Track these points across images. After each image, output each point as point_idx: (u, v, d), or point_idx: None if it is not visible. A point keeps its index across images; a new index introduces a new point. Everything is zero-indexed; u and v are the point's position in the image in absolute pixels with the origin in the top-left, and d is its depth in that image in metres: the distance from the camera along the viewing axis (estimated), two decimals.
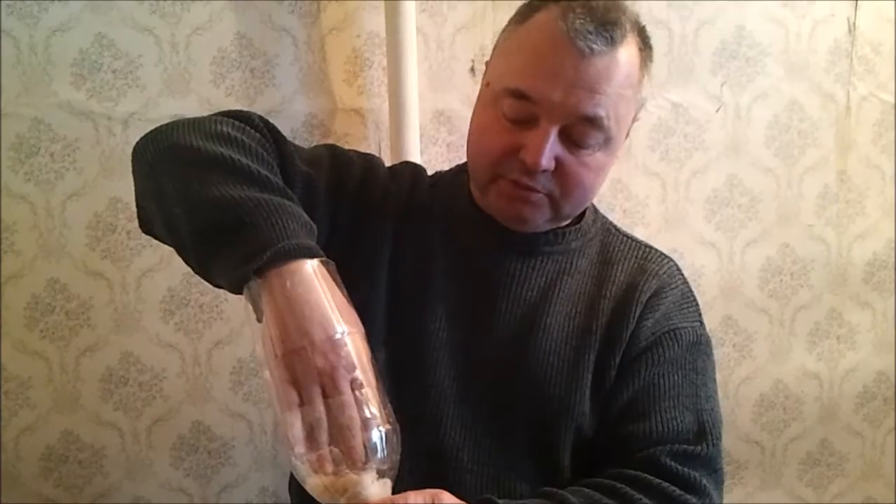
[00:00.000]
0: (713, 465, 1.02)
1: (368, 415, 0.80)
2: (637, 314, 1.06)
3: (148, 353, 1.62)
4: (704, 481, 0.99)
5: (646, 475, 0.97)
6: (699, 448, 1.01)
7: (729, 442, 1.91)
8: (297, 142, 1.58)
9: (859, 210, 1.90)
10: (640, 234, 1.23)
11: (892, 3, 1.81)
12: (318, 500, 0.80)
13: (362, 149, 1.62)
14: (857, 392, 1.99)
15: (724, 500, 1.94)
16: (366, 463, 0.79)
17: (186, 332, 1.63)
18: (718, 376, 1.85)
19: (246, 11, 1.55)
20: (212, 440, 1.69)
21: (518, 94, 0.97)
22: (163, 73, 1.54)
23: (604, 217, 1.19)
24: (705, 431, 1.03)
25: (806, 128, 1.83)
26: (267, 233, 0.83)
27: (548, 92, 0.95)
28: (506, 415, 1.05)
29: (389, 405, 0.83)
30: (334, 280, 0.85)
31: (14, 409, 1.59)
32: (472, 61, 1.64)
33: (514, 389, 1.05)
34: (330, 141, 1.62)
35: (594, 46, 0.93)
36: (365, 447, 0.79)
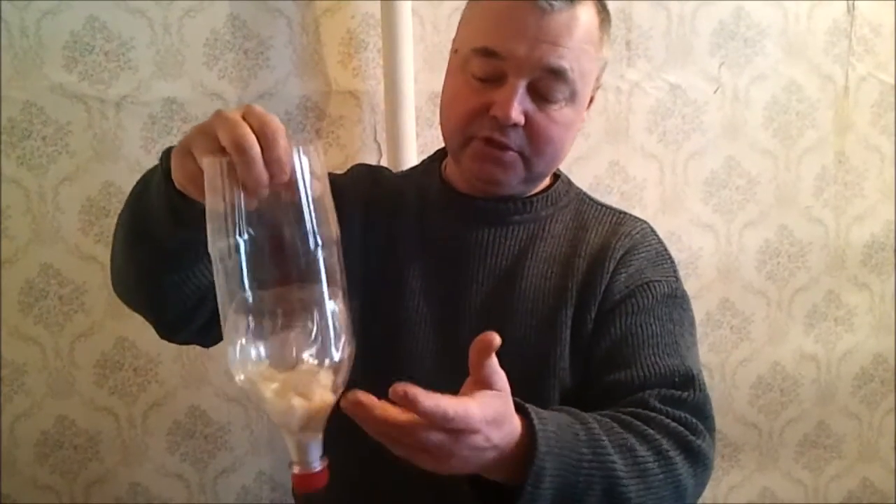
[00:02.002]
0: (703, 412, 1.02)
1: (340, 325, 0.78)
2: (610, 270, 1.08)
3: (143, 338, 1.62)
4: (696, 421, 0.99)
5: (642, 410, 0.97)
6: (687, 394, 1.01)
7: (726, 424, 1.91)
8: (291, 124, 1.58)
9: (858, 192, 1.89)
10: (637, 216, 1.22)
11: None
12: (271, 407, 0.76)
13: (357, 131, 1.62)
14: (855, 374, 1.99)
15: (721, 483, 1.95)
16: (328, 365, 0.77)
17: None
18: (715, 358, 1.86)
19: None
20: (208, 425, 1.68)
21: (485, 52, 1.02)
22: (155, 55, 1.52)
23: (579, 188, 1.22)
24: (691, 377, 1.03)
25: (804, 109, 1.82)
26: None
27: (513, 46, 1.01)
28: None
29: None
30: None
31: (9, 395, 1.59)
32: None
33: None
34: (324, 123, 1.61)
35: (554, 3, 1.00)
36: (331, 356, 0.77)
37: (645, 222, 1.18)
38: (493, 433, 0.80)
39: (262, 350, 0.76)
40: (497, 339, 0.80)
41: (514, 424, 0.84)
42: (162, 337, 1.11)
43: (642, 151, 1.76)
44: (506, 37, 1.01)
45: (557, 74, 1.02)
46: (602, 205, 1.19)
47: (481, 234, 1.12)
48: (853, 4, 1.78)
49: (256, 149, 0.73)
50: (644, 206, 1.76)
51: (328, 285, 0.77)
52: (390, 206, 1.17)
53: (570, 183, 1.21)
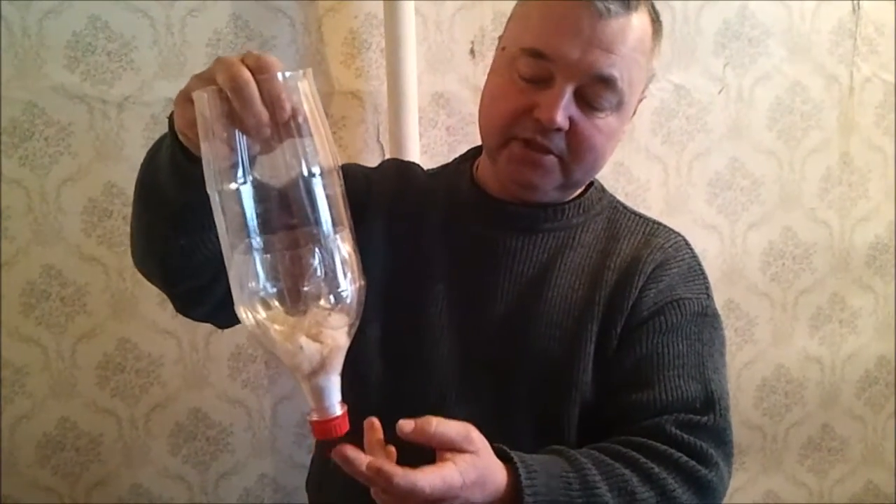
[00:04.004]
0: (722, 437, 1.01)
1: (346, 260, 0.77)
2: (640, 285, 1.06)
3: (145, 340, 1.61)
4: (712, 451, 0.98)
5: (652, 442, 0.96)
6: (706, 418, 1.00)
7: None
8: None
9: (862, 193, 1.89)
10: (672, 227, 1.20)
11: None
12: (280, 350, 0.76)
13: (360, 132, 1.61)
14: (859, 376, 1.98)
15: None
16: (337, 305, 0.76)
17: (184, 318, 1.60)
18: None
19: None
20: (210, 427, 1.68)
21: (535, 53, 0.99)
22: (157, 55, 1.52)
23: (612, 196, 1.19)
24: (713, 401, 1.01)
25: (808, 110, 1.81)
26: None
27: (565, 50, 0.97)
28: (510, 390, 1.05)
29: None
30: None
31: (10, 396, 1.58)
32: (472, 42, 1.62)
33: (518, 364, 1.05)
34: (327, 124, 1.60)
35: (611, 7, 0.96)
36: (339, 294, 0.76)
37: (679, 235, 1.15)
38: (474, 495, 0.81)
39: (271, 293, 0.75)
40: (409, 425, 0.81)
41: (498, 480, 0.84)
42: (178, 311, 1.08)
43: (646, 152, 1.76)
44: (558, 39, 0.97)
45: (607, 82, 0.98)
46: (635, 213, 1.17)
47: (510, 241, 1.09)
48: (858, 4, 1.78)
49: (253, 86, 0.72)
50: (648, 207, 1.76)
51: (331, 219, 0.75)
52: (418, 206, 1.14)
53: (603, 190, 1.18)
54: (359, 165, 1.23)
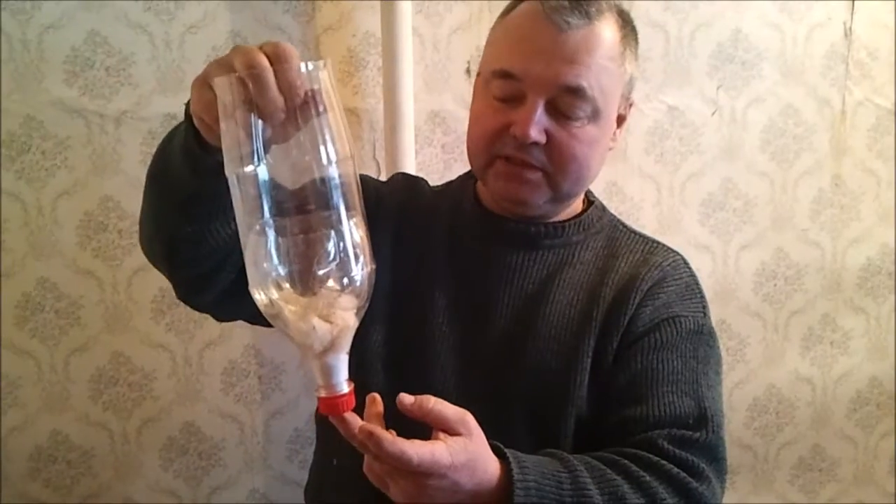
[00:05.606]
0: (714, 454, 1.01)
1: (358, 245, 0.79)
2: (636, 301, 1.07)
3: (138, 354, 1.61)
4: (704, 466, 0.98)
5: (645, 454, 0.97)
6: (699, 434, 1.00)
7: None
8: None
9: (854, 215, 1.90)
10: (671, 246, 1.21)
11: (889, 6, 1.81)
12: (293, 330, 0.78)
13: (356, 149, 1.62)
14: (850, 397, 1.99)
15: None
16: (348, 287, 0.78)
17: (178, 333, 1.62)
18: None
19: (240, 10, 1.54)
20: (202, 441, 1.68)
21: (504, 74, 1.03)
22: (156, 71, 1.53)
23: (613, 215, 1.21)
24: (706, 418, 1.02)
25: (801, 132, 1.83)
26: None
27: (530, 66, 1.01)
28: (507, 404, 1.06)
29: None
30: None
31: (3, 408, 1.58)
32: (468, 62, 1.64)
33: (515, 378, 1.06)
34: None
35: (570, 20, 1.00)
36: (351, 277, 0.78)
37: (677, 254, 1.16)
38: (462, 478, 0.82)
39: (283, 275, 0.77)
40: (408, 398, 0.82)
41: (490, 471, 0.85)
42: (179, 297, 1.08)
43: (640, 172, 1.77)
44: (522, 57, 1.01)
45: (576, 92, 1.01)
46: (635, 233, 1.19)
47: (511, 257, 1.11)
48: (850, 29, 1.80)
49: (269, 72, 0.73)
50: (641, 226, 1.74)
51: (344, 205, 0.78)
52: (423, 220, 1.17)
53: (603, 209, 1.20)
54: (370, 177, 1.25)
